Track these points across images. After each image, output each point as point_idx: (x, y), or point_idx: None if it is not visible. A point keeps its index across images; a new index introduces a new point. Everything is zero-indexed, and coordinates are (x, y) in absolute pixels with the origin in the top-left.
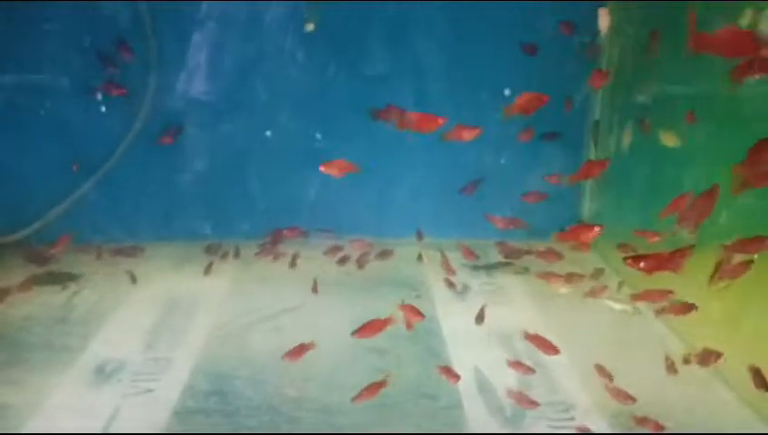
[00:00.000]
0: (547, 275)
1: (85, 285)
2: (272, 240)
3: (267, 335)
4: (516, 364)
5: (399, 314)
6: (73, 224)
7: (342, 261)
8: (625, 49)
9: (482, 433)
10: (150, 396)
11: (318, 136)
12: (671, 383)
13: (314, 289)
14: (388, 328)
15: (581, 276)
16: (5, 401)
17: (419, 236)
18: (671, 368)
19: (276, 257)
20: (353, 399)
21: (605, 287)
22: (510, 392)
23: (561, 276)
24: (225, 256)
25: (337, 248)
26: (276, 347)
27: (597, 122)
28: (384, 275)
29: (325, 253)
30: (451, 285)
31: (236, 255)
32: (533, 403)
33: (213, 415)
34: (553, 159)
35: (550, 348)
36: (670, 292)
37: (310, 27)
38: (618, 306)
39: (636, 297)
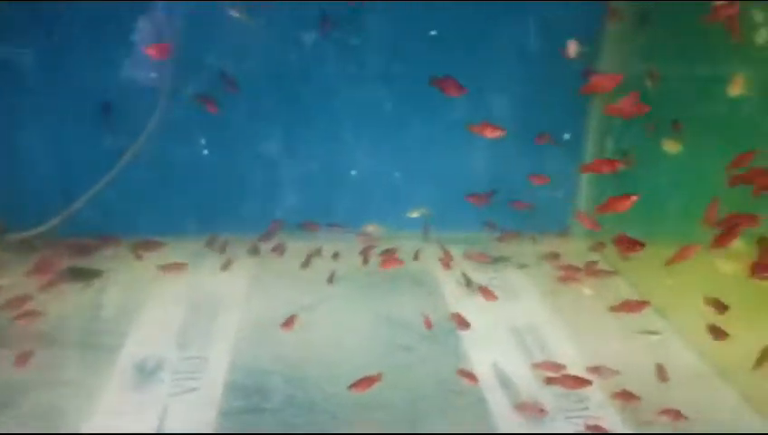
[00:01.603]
0: (567, 275)
1: (108, 282)
2: (269, 233)
3: (295, 332)
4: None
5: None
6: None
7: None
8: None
9: (500, 433)
10: (195, 395)
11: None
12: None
13: (330, 280)
14: (411, 327)
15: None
16: (59, 404)
17: (425, 231)
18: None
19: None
20: (349, 387)
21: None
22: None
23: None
24: (235, 252)
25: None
26: (306, 343)
27: None
28: (391, 270)
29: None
30: (469, 282)
31: (255, 252)
32: (543, 411)
33: (259, 413)
34: (553, 159)
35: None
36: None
37: (236, 13)
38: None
39: (614, 309)
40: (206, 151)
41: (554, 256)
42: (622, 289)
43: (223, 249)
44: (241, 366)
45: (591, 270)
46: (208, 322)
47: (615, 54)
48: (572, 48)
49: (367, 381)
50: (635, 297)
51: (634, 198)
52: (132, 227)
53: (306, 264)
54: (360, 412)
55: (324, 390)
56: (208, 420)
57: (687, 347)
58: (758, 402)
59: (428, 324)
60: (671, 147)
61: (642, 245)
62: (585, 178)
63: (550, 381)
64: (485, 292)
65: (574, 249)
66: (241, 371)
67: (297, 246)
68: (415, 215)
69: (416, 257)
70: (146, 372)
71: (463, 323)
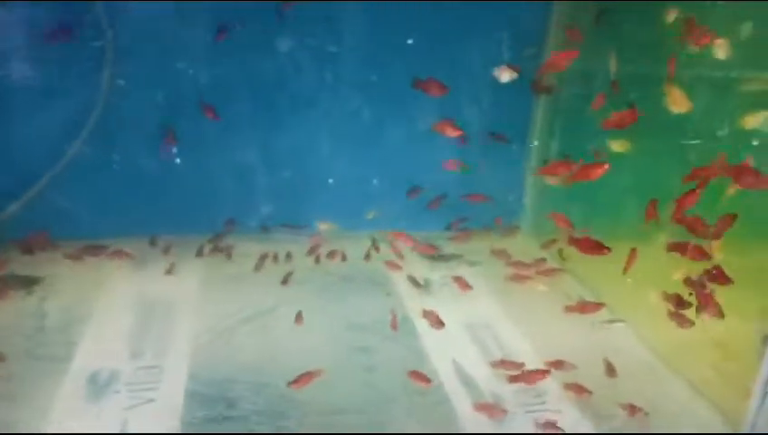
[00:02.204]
0: (519, 273)
1: (50, 289)
2: (219, 235)
3: (253, 337)
4: (497, 364)
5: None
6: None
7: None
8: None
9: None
10: (155, 406)
11: None
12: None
13: (285, 282)
14: (372, 328)
15: (553, 270)
16: (8, 418)
17: (374, 241)
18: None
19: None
20: (289, 384)
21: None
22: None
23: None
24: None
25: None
26: (266, 348)
27: None
28: (343, 270)
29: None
30: (415, 282)
31: (203, 253)
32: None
33: (224, 422)
34: (497, 158)
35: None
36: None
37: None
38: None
39: (569, 309)
40: (177, 160)
41: (505, 253)
42: (572, 286)
43: (167, 251)
44: (200, 374)
45: (541, 267)
46: (161, 329)
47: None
48: (504, 74)
49: (307, 377)
50: (583, 293)
51: (606, 165)
52: (73, 230)
53: (259, 266)
54: (326, 416)
55: (289, 396)
56: (173, 429)
57: (639, 341)
58: (708, 391)
59: (394, 325)
60: (618, 147)
61: (608, 249)
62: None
63: (513, 379)
64: (460, 282)
65: (524, 247)
66: (201, 379)
67: (248, 248)
68: (369, 217)
69: (367, 257)
70: (100, 384)
71: (436, 322)
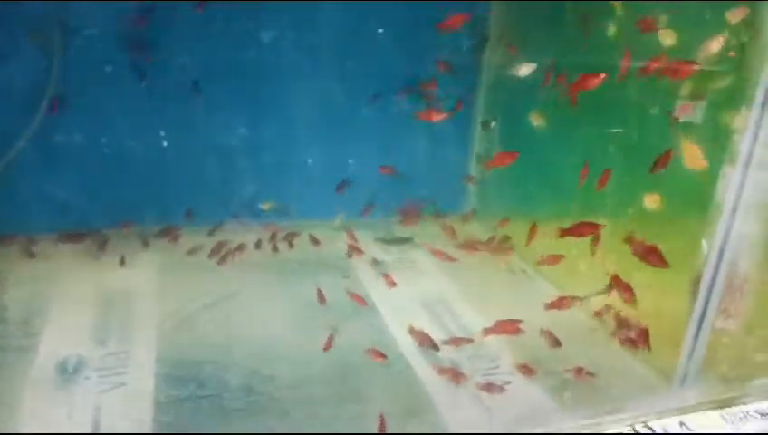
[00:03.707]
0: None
1: (5, 283)
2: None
3: (216, 322)
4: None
5: None
6: None
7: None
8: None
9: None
10: (126, 390)
11: None
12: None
13: (221, 260)
14: (336, 307)
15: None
16: None
17: (341, 220)
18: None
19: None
20: None
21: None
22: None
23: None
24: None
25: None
26: (231, 332)
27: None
28: (301, 256)
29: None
30: (355, 250)
31: (145, 244)
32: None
33: (196, 401)
34: (447, 139)
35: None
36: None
37: None
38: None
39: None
40: (165, 143)
41: (455, 234)
42: (518, 265)
43: (120, 242)
44: (168, 357)
45: (490, 246)
46: (123, 317)
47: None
48: (523, 68)
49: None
50: (527, 269)
51: (516, 154)
52: (22, 225)
53: (216, 253)
54: (295, 389)
55: (258, 373)
56: (146, 413)
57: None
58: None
59: (361, 301)
60: (536, 120)
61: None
62: (474, 162)
63: (487, 332)
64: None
65: (475, 229)
66: (169, 362)
67: (204, 239)
68: (266, 207)
69: (315, 243)
70: (69, 372)
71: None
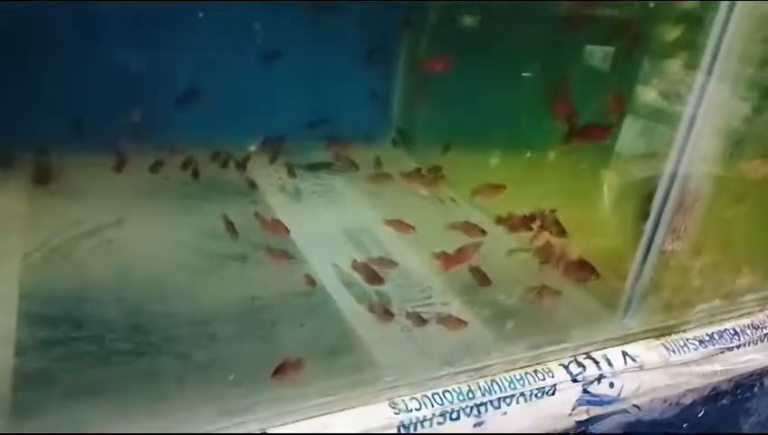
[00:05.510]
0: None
1: None
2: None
3: (100, 252)
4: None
5: None
6: None
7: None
8: None
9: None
10: None
11: None
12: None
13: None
14: (243, 237)
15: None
16: None
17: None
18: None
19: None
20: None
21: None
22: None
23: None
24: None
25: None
26: (117, 264)
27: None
28: (214, 183)
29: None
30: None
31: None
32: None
33: (72, 343)
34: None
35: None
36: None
37: None
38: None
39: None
40: None
41: (378, 162)
42: (446, 192)
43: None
44: (36, 293)
45: (417, 176)
46: None
47: None
48: None
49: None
50: (457, 198)
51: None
52: None
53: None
54: (195, 327)
55: (149, 310)
56: (6, 359)
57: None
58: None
59: (283, 232)
60: None
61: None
62: (401, 89)
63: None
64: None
65: (396, 156)
66: (37, 298)
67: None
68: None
69: (240, 167)
70: None
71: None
